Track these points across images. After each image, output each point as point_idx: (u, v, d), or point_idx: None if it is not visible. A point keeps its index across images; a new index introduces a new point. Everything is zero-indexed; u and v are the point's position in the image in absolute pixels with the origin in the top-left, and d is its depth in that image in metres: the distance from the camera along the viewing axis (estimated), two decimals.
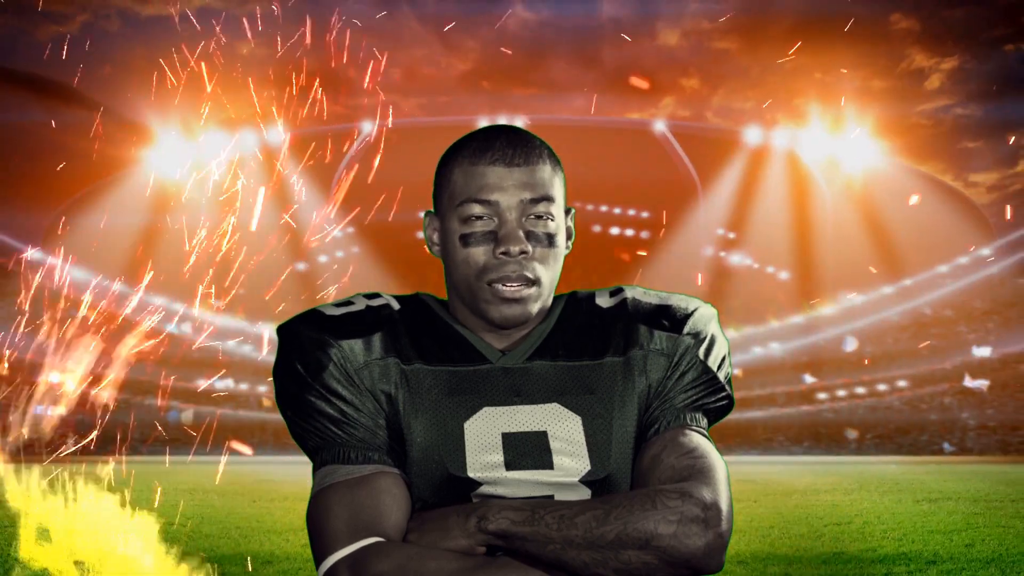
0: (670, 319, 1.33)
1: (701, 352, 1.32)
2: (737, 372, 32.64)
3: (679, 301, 1.36)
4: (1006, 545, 8.08)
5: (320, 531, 1.19)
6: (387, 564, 1.13)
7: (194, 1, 30.47)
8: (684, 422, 1.28)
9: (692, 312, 1.34)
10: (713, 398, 1.33)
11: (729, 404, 1.35)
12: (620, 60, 36.72)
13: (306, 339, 1.27)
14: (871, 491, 13.90)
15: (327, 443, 1.25)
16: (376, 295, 1.35)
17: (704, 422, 1.31)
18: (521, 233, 1.27)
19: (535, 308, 1.29)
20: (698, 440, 1.26)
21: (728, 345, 1.37)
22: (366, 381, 1.26)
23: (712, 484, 1.17)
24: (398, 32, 35.04)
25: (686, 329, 1.32)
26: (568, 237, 1.35)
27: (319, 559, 1.18)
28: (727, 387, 1.34)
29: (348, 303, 1.33)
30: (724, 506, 1.16)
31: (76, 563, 7.04)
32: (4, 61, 34.18)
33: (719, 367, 1.33)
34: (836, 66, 34.81)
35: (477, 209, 1.27)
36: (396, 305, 1.34)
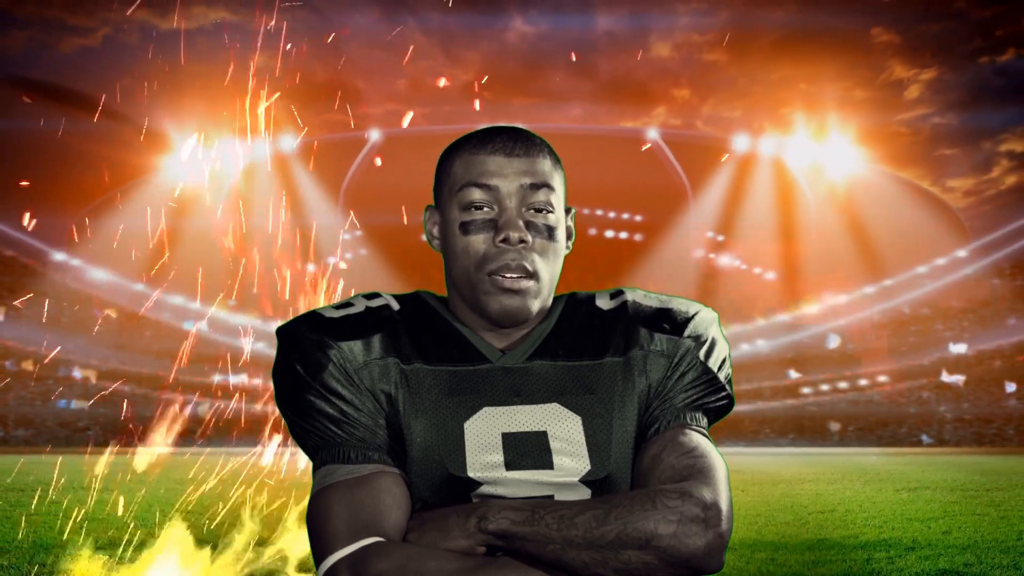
0: (671, 322, 1.27)
1: (702, 354, 1.26)
2: None
3: (680, 305, 1.30)
4: (981, 532, 8.05)
5: (320, 531, 1.14)
6: (387, 564, 1.08)
7: (210, 16, 30.44)
8: (684, 422, 1.23)
9: (693, 316, 1.28)
10: (713, 398, 1.27)
11: (729, 404, 1.29)
12: (615, 71, 36.69)
13: (305, 340, 1.22)
14: (853, 481, 13.88)
15: (327, 443, 1.19)
16: (375, 295, 1.29)
17: (704, 422, 1.25)
18: (521, 222, 1.22)
19: (534, 304, 1.23)
20: (698, 440, 1.20)
21: (729, 347, 1.31)
22: (366, 381, 1.20)
23: (712, 484, 1.12)
24: (403, 46, 35.02)
25: (687, 332, 1.27)
26: (568, 236, 1.29)
27: (319, 559, 1.13)
28: (727, 387, 1.28)
29: (348, 304, 1.27)
30: (724, 506, 1.10)
31: (100, 548, 7.02)
32: (31, 73, 34.16)
33: (719, 368, 1.28)
34: (820, 77, 34.81)
35: (477, 194, 1.22)
36: (396, 305, 1.28)
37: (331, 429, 1.19)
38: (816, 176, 35.33)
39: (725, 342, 1.30)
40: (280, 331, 1.24)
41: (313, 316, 1.25)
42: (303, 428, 1.21)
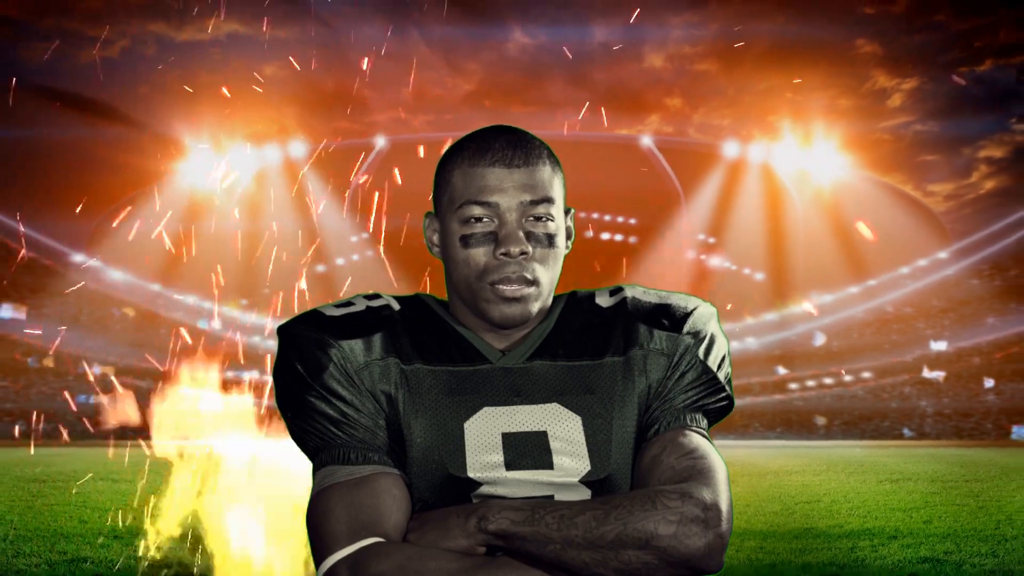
0: (670, 318, 1.22)
1: (701, 352, 1.21)
2: None
3: (679, 300, 1.25)
4: (960, 521, 8.05)
5: (320, 532, 1.09)
6: (387, 564, 1.03)
7: (223, 27, 30.42)
8: (684, 423, 1.18)
9: (692, 311, 1.23)
10: (713, 399, 1.22)
11: (729, 404, 1.24)
12: (610, 81, 36.71)
13: (306, 340, 1.17)
14: (838, 472, 13.86)
15: (327, 444, 1.14)
16: (376, 295, 1.24)
17: (704, 423, 1.20)
18: (521, 234, 1.16)
19: (535, 308, 1.18)
20: (698, 441, 1.16)
21: (728, 344, 1.26)
22: (366, 381, 1.15)
23: (712, 485, 1.08)
24: (408, 56, 35.02)
25: (686, 328, 1.22)
26: (568, 237, 1.24)
27: (319, 560, 1.08)
28: (727, 387, 1.23)
29: (348, 304, 1.22)
30: (724, 507, 1.06)
31: (116, 537, 7.00)
32: (52, 82, 34.15)
33: (719, 367, 1.23)
34: (806, 86, 34.82)
35: (477, 211, 1.17)
36: (396, 305, 1.23)
37: (331, 430, 1.14)
38: (803, 181, 35.35)
39: (724, 338, 1.25)
40: (280, 330, 1.19)
41: (313, 315, 1.20)
42: (303, 429, 1.16)
